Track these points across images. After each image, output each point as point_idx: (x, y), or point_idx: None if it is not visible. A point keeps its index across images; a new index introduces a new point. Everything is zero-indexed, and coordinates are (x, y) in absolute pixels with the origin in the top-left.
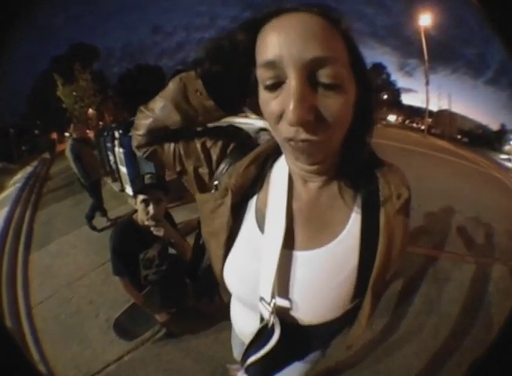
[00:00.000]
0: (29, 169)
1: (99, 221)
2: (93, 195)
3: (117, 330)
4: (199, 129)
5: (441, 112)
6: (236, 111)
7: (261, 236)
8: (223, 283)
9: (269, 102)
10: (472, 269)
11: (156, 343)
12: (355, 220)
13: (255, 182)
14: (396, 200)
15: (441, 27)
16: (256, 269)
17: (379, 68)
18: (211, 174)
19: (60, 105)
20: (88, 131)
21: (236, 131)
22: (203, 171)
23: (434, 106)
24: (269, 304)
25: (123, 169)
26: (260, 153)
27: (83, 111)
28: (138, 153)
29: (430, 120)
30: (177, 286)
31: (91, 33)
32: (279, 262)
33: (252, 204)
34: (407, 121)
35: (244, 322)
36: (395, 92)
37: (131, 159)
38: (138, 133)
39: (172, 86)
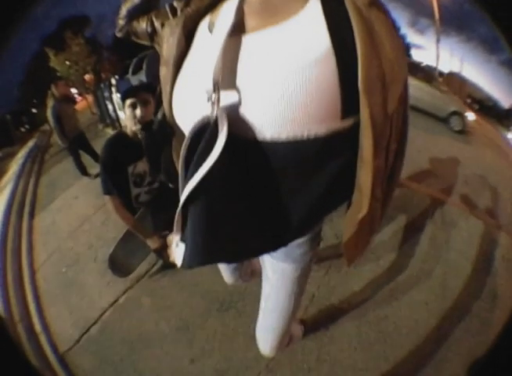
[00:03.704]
0: (30, 144)
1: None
2: (75, 152)
3: (111, 267)
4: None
5: (451, 74)
6: None
7: (210, 37)
8: (173, 120)
9: None
10: (480, 226)
11: (151, 278)
12: (315, 6)
13: (210, 7)
14: None
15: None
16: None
17: None
18: None
19: (54, 76)
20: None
21: None
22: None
23: (445, 68)
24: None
25: (121, 115)
26: None
27: (79, 75)
28: (119, 35)
29: (441, 79)
30: (170, 206)
31: (80, 7)
32: (226, 49)
33: (205, 24)
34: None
35: None
36: (405, 46)
37: None
38: (120, 17)
39: None
